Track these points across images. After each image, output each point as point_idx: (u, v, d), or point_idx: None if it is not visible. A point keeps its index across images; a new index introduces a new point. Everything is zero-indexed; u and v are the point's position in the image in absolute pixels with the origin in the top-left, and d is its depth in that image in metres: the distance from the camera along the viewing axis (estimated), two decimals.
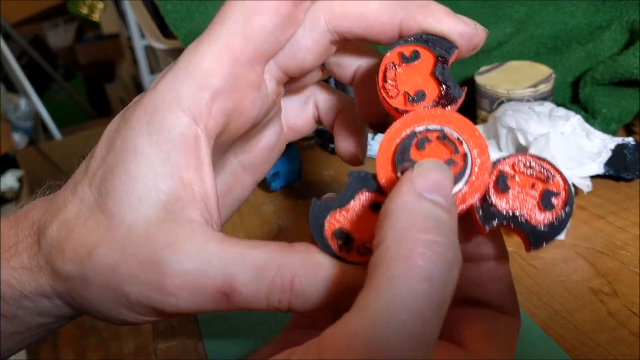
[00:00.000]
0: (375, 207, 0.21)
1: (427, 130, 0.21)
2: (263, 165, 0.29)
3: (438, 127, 0.21)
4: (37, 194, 0.24)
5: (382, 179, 0.21)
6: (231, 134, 0.23)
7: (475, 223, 0.21)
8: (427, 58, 0.22)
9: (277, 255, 0.19)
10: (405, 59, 0.22)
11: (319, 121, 0.29)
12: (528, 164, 0.21)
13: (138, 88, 2.08)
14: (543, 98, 0.53)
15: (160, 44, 0.65)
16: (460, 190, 0.20)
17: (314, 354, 0.16)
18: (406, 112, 0.22)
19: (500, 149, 0.50)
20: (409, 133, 0.21)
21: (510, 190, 0.21)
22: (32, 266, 0.21)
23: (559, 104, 0.55)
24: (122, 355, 1.20)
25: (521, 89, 0.52)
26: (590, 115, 0.54)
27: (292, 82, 0.26)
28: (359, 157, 0.28)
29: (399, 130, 0.21)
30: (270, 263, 0.19)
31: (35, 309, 0.22)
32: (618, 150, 0.47)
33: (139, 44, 1.75)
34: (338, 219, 0.21)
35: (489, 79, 0.55)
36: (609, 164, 0.47)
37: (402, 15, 0.22)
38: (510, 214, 0.20)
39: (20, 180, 1.87)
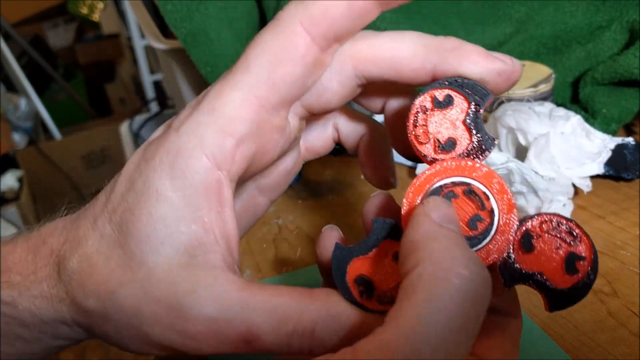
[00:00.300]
0: (398, 257, 0.20)
1: (454, 184, 0.21)
2: (279, 187, 0.29)
3: (465, 181, 0.21)
4: (49, 217, 0.24)
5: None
6: (253, 172, 0.23)
7: (496, 280, 0.21)
8: (460, 103, 0.21)
9: (298, 304, 0.20)
10: (438, 104, 0.21)
11: (338, 142, 0.29)
12: (555, 224, 0.21)
13: (138, 88, 2.08)
14: (543, 98, 0.53)
15: (160, 44, 0.65)
16: (484, 247, 0.20)
17: None
18: (435, 160, 0.21)
19: (500, 149, 0.50)
20: (435, 188, 0.21)
21: (534, 251, 0.20)
22: (52, 295, 0.22)
23: (559, 104, 0.55)
24: (123, 355, 1.20)
25: (521, 89, 0.52)
26: (590, 115, 0.54)
27: (314, 116, 0.25)
28: (391, 181, 0.28)
29: (426, 181, 0.21)
30: (291, 311, 0.19)
31: (55, 333, 0.22)
32: (618, 150, 0.47)
33: (139, 44, 1.75)
34: (361, 266, 0.21)
35: None
36: (609, 164, 0.47)
37: (435, 61, 0.21)
38: (533, 275, 0.20)
39: (20, 180, 1.87)
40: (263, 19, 0.62)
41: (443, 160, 0.21)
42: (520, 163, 0.45)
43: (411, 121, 0.21)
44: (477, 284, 0.17)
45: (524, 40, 0.61)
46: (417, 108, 0.21)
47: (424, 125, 0.21)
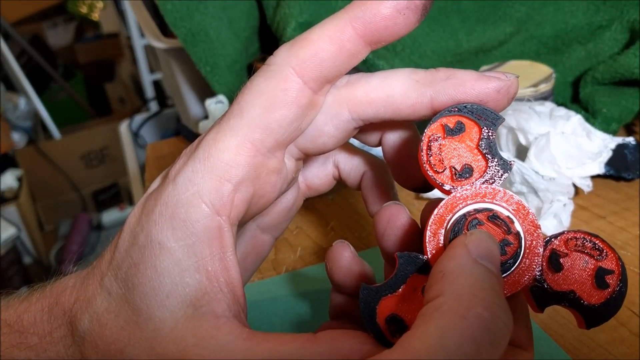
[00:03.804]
0: None
1: (476, 210, 0.21)
2: (281, 225, 0.29)
3: (487, 207, 0.21)
4: (61, 274, 0.24)
5: (434, 262, 0.20)
6: (252, 214, 0.23)
7: (531, 304, 0.21)
8: (472, 129, 0.21)
9: (303, 350, 0.19)
10: (449, 131, 0.21)
11: (339, 179, 0.29)
12: (581, 242, 0.21)
13: (137, 87, 2.08)
14: (543, 98, 0.53)
15: (159, 43, 0.65)
16: (514, 271, 0.20)
17: None
18: (454, 188, 0.21)
19: (500, 149, 0.50)
20: (458, 217, 0.21)
21: (563, 270, 0.20)
22: (69, 356, 0.22)
23: (559, 104, 0.55)
24: None
25: (521, 88, 0.52)
26: (591, 115, 0.54)
27: (310, 156, 0.25)
28: None
29: (447, 210, 0.21)
30: (296, 359, 0.19)
31: None
32: (618, 150, 0.47)
33: (138, 43, 1.75)
34: (390, 304, 0.21)
35: None
36: (609, 163, 0.47)
37: (430, 93, 0.22)
38: (566, 294, 0.20)
39: (19, 179, 1.87)
40: (263, 19, 0.61)
41: (461, 188, 0.21)
42: (521, 163, 0.45)
43: (424, 150, 0.21)
44: (496, 328, 0.16)
45: (525, 40, 0.61)
46: (429, 137, 0.21)
47: (438, 154, 0.21)
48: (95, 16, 2.57)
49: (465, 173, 0.21)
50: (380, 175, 0.28)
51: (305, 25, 0.52)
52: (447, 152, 0.21)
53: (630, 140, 0.48)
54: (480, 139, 0.21)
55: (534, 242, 0.20)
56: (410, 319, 0.20)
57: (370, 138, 0.26)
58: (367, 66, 0.53)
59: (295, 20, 0.52)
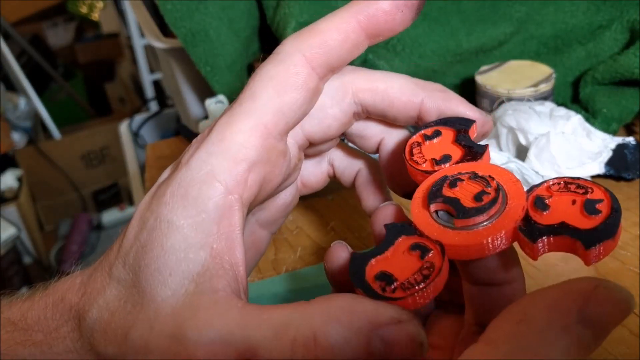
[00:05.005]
0: (414, 248, 0.21)
1: (459, 173, 0.22)
2: (278, 221, 0.29)
3: (470, 171, 0.22)
4: (65, 273, 0.24)
5: (418, 221, 0.21)
6: (260, 199, 0.24)
7: (524, 245, 0.20)
8: (448, 133, 0.24)
9: (295, 314, 0.19)
10: (428, 137, 0.24)
11: (333, 178, 0.30)
12: (563, 184, 0.21)
13: (137, 87, 2.08)
14: (543, 98, 0.53)
15: (159, 43, 0.65)
16: (498, 215, 0.20)
17: None
18: (435, 171, 0.23)
19: (500, 149, 0.50)
20: (440, 179, 0.22)
21: (550, 208, 0.20)
22: (78, 349, 0.22)
23: (559, 104, 0.55)
24: None
25: (521, 88, 0.52)
26: (591, 115, 0.54)
27: (311, 148, 0.27)
28: None
29: (432, 180, 0.22)
30: (289, 324, 0.19)
31: None
32: (618, 150, 0.47)
33: (138, 43, 1.75)
34: (378, 265, 0.21)
35: (490, 79, 0.55)
36: (609, 163, 0.47)
37: (423, 96, 0.24)
38: (557, 225, 0.20)
39: (19, 179, 1.87)
40: (263, 19, 0.61)
41: (444, 168, 0.23)
42: (521, 163, 0.45)
43: (407, 152, 0.24)
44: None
45: (525, 40, 0.61)
46: (410, 144, 0.24)
47: (419, 153, 0.24)
48: (95, 16, 2.57)
49: (444, 160, 0.23)
50: (374, 172, 0.29)
51: (305, 25, 0.52)
52: (427, 150, 0.24)
53: (630, 140, 0.48)
54: (455, 137, 0.24)
55: (517, 190, 0.21)
56: (398, 274, 0.20)
57: (369, 143, 0.27)
58: (367, 67, 0.54)
59: (295, 20, 0.52)
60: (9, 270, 1.64)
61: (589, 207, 0.20)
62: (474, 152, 0.23)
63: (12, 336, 0.22)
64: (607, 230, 0.19)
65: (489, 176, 0.21)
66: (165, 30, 0.66)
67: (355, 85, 0.25)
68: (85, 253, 1.76)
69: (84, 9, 2.58)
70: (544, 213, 0.20)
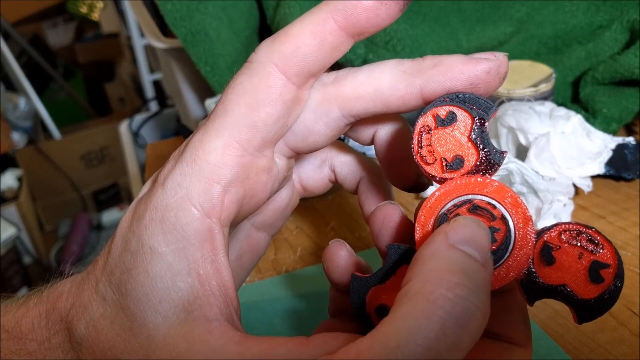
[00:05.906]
0: None
1: (455, 206, 0.20)
2: (277, 223, 0.28)
3: (467, 199, 0.20)
4: (58, 278, 0.24)
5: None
6: (244, 215, 0.23)
7: (521, 295, 0.20)
8: (464, 119, 0.21)
9: (295, 351, 0.19)
10: (441, 122, 0.21)
11: (335, 182, 0.29)
12: (575, 233, 0.20)
13: (137, 87, 2.08)
14: (543, 98, 0.53)
15: (159, 43, 0.65)
16: (503, 264, 0.20)
17: None
18: (444, 180, 0.21)
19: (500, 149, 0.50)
20: (441, 213, 0.20)
21: (556, 263, 0.20)
22: None
23: (559, 104, 0.55)
24: None
25: (522, 88, 0.52)
26: (591, 114, 0.54)
27: (302, 154, 0.25)
28: None
29: (436, 203, 0.21)
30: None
31: None
32: (618, 150, 0.47)
33: (138, 43, 1.75)
34: (379, 295, 0.21)
35: None
36: (609, 163, 0.47)
37: (419, 83, 0.21)
38: (557, 288, 0.19)
39: (19, 179, 1.87)
40: (263, 19, 0.61)
41: (452, 179, 0.21)
42: (521, 163, 0.45)
43: (416, 142, 0.21)
44: (460, 309, 0.16)
45: (525, 40, 0.61)
46: (420, 128, 0.21)
47: (428, 145, 0.21)
48: (95, 16, 2.57)
49: (455, 164, 0.21)
50: (378, 180, 0.27)
51: None
52: (438, 142, 0.21)
53: (630, 140, 0.48)
54: (472, 129, 0.21)
55: (525, 235, 0.20)
56: None
57: (363, 136, 0.25)
58: None
59: None
60: (9, 270, 1.64)
61: (594, 274, 0.19)
62: (490, 160, 0.21)
63: (7, 344, 0.22)
64: (603, 306, 0.19)
65: (490, 204, 0.20)
66: (165, 30, 0.66)
67: (340, 97, 0.22)
68: (85, 253, 1.76)
69: (84, 9, 2.58)
70: (549, 268, 0.20)
